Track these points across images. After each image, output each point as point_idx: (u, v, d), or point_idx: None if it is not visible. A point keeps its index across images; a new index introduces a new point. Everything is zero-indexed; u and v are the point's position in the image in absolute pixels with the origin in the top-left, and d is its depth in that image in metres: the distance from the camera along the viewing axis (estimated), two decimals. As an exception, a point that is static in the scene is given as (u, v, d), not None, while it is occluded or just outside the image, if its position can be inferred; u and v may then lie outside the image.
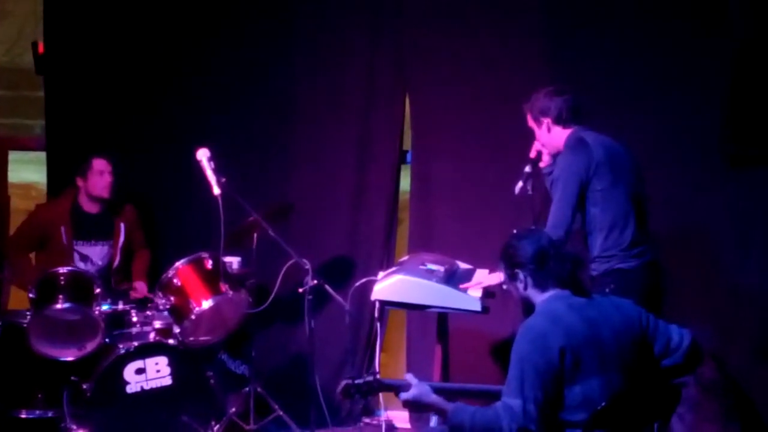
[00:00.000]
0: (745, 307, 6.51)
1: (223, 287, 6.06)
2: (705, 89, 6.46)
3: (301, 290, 5.89)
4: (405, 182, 7.09)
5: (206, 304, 6.02)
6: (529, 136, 5.64)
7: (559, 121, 5.48)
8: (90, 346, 5.98)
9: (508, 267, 4.30)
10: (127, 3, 6.99)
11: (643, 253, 5.36)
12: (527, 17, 6.68)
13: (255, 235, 6.26)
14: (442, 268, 5.69)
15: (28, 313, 6.08)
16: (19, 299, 6.62)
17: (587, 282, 5.09)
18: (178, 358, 6.05)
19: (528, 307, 4.29)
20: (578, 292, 4.23)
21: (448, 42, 6.79)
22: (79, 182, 6.54)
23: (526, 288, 4.25)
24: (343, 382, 4.23)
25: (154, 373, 6.01)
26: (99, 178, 6.50)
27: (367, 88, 6.93)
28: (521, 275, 4.25)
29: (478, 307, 5.50)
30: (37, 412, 6.14)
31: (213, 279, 6.07)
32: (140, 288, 6.60)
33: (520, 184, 5.65)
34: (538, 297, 4.24)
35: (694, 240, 6.52)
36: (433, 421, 5.68)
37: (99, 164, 6.50)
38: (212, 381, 6.10)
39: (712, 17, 6.42)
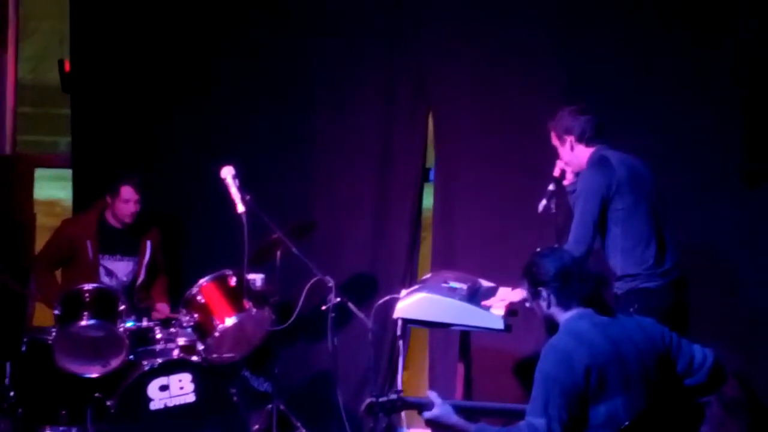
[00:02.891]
0: (763, 323, 6.50)
1: (247, 304, 6.07)
2: (721, 106, 6.48)
3: (324, 308, 5.91)
4: (428, 200, 7.10)
5: (230, 321, 6.03)
6: (553, 154, 5.65)
7: (582, 139, 5.50)
8: (114, 363, 6.00)
9: (531, 285, 4.30)
10: (153, 22, 7.03)
11: (669, 272, 5.36)
12: (546, 37, 6.71)
13: (278, 252, 6.26)
14: (464, 286, 5.69)
15: (53, 329, 6.11)
16: (44, 316, 6.65)
17: (610, 300, 5.09)
18: (202, 375, 6.07)
19: (551, 325, 4.30)
20: (601, 310, 4.23)
21: (471, 59, 6.81)
22: (108, 199, 6.56)
23: (549, 306, 4.25)
24: (367, 400, 4.24)
25: (177, 390, 6.03)
26: (124, 205, 6.51)
27: (390, 105, 6.94)
28: (544, 293, 4.25)
29: (500, 325, 5.49)
30: (62, 428, 6.14)
31: (237, 296, 6.08)
32: (162, 309, 6.60)
33: (543, 202, 5.66)
34: (562, 315, 4.24)
35: (712, 257, 6.51)
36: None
37: (126, 192, 6.49)
38: (235, 398, 6.11)
39: (728, 34, 6.44)
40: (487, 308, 5.55)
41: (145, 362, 6.06)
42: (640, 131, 6.42)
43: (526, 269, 4.31)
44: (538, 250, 4.37)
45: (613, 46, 6.65)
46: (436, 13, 6.85)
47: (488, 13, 6.79)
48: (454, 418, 4.15)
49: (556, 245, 5.32)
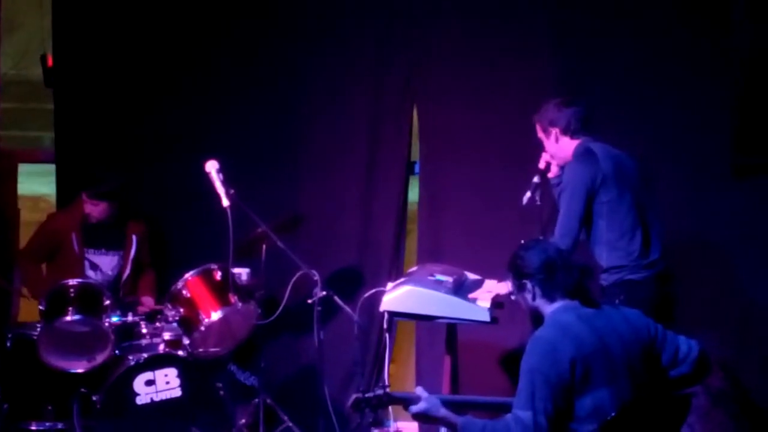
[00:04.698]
0: (754, 316, 6.53)
1: (232, 298, 6.07)
2: (712, 99, 6.50)
3: (310, 301, 5.91)
4: (413, 193, 7.10)
5: (215, 315, 6.03)
6: (538, 147, 5.66)
7: (567, 131, 5.51)
8: (100, 358, 6.00)
9: (516, 278, 4.31)
10: (137, 17, 7.01)
11: (653, 264, 5.38)
12: (536, 30, 6.73)
13: (264, 246, 6.26)
14: (450, 279, 5.70)
15: (38, 325, 6.09)
16: (30, 311, 6.64)
17: (596, 292, 5.10)
18: (188, 370, 6.06)
19: (536, 317, 4.30)
20: (586, 302, 4.24)
21: (457, 53, 6.81)
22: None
23: (534, 298, 4.26)
24: (353, 396, 4.23)
25: (163, 384, 6.02)
26: (84, 204, 6.50)
27: (375, 98, 6.93)
28: (529, 286, 4.26)
29: (487, 317, 5.50)
30: (47, 424, 6.14)
31: (222, 290, 6.08)
32: (147, 302, 6.58)
33: (528, 194, 5.67)
34: (547, 307, 4.25)
35: (701, 250, 6.53)
36: (443, 432, 5.68)
37: (83, 195, 6.48)
38: (222, 392, 6.11)
39: (719, 28, 6.46)
40: (474, 300, 5.56)
41: (130, 357, 6.05)
42: (632, 125, 6.43)
43: (511, 262, 4.33)
44: (523, 242, 4.37)
45: (604, 43, 6.65)
46: (424, 8, 6.84)
47: (477, 9, 6.79)
48: (442, 411, 4.15)
49: (540, 238, 5.33)
